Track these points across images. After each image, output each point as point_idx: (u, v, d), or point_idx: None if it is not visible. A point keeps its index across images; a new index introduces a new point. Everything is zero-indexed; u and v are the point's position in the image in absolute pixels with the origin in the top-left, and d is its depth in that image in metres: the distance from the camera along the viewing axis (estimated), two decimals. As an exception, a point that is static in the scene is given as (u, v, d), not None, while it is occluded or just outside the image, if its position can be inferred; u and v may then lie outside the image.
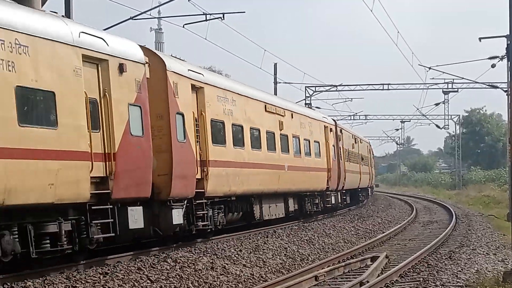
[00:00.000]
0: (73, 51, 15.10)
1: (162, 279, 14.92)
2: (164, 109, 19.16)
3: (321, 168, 35.21)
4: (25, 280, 13.65)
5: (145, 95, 17.58)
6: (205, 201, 21.23)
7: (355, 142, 49.55)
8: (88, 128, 15.28)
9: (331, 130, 37.78)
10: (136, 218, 17.01)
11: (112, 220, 16.09)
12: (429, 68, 51.07)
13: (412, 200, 58.28)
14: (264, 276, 17.24)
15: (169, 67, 19.61)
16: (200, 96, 21.58)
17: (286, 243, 22.42)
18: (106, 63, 16.21)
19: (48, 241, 14.30)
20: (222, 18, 30.48)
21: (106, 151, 16.02)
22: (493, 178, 78.09)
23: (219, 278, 16.08)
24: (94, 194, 15.44)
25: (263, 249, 20.52)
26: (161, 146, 18.74)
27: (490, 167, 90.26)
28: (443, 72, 56.94)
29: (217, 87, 22.92)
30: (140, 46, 18.35)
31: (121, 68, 16.63)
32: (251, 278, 16.78)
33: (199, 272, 16.20)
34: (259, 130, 26.39)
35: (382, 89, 59.90)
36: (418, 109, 76.02)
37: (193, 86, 21.06)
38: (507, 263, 17.93)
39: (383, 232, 28.36)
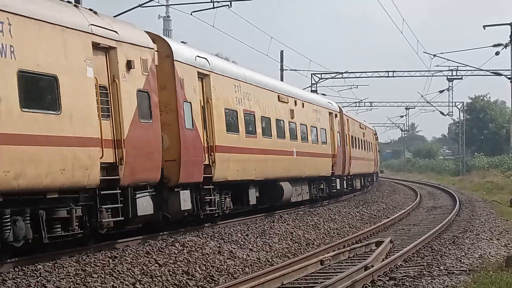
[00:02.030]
0: (328, 111, 36.09)
1: (170, 263, 14.97)
2: (343, 138, 39.29)
3: (372, 159, 54.57)
4: (36, 264, 13.71)
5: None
6: (350, 176, 42.32)
7: (376, 139, 65.68)
8: (332, 144, 36.03)
9: (375, 134, 57.11)
10: (338, 183, 37.50)
11: (334, 184, 36.30)
12: (434, 55, 51.18)
13: (416, 186, 58.27)
14: (270, 260, 17.29)
15: (344, 113, 41.65)
16: (347, 124, 40.92)
17: (292, 228, 22.45)
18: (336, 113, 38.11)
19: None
20: (230, 6, 30.53)
21: (332, 153, 35.44)
22: (496, 165, 77.83)
23: (226, 262, 16.13)
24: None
25: (269, 234, 20.56)
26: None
27: (494, 154, 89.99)
28: (448, 60, 57.16)
29: (352, 118, 45.79)
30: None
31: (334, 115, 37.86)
32: (258, 262, 16.82)
33: (207, 256, 16.25)
34: (361, 140, 46.99)
35: (387, 76, 60.05)
36: (422, 96, 76.12)
37: (346, 120, 41.12)
38: (510, 248, 17.95)
39: (388, 218, 28.37)
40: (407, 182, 67.23)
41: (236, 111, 22.80)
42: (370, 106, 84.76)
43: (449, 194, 44.79)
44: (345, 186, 39.94)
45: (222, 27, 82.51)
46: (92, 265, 13.92)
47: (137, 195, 16.84)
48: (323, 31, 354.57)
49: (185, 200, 19.13)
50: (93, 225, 15.48)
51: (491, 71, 52.67)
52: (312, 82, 58.15)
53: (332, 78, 60.47)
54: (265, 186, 26.26)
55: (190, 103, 19.62)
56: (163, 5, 54.79)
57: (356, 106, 79.00)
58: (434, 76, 59.84)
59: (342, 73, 60.05)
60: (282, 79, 49.11)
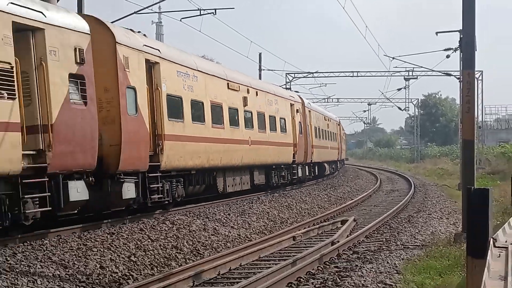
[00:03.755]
0: (336, 123, 52.40)
1: (161, 239, 14.96)
2: (340, 137, 54.20)
3: (345, 149, 62.45)
4: (42, 239, 13.64)
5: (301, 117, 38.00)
6: (341, 160, 57.71)
7: (345, 134, 70.20)
8: (338, 141, 52.83)
9: (338, 124, 56.11)
10: (339, 164, 56.62)
11: (338, 165, 55.03)
12: (393, 58, 51.07)
13: (377, 172, 58.37)
14: (249, 236, 17.30)
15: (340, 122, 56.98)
16: (342, 129, 57.15)
17: (268, 208, 22.47)
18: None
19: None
20: (214, 13, 30.25)
21: (338, 146, 52.03)
22: (446, 153, 78.29)
23: (211, 238, 16.13)
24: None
25: (248, 213, 20.58)
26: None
27: (444, 144, 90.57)
28: (405, 62, 57.55)
29: (341, 125, 57.04)
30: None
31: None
32: (238, 238, 16.84)
33: (193, 232, 16.25)
34: (343, 137, 57.45)
35: (352, 76, 59.78)
36: (382, 93, 76.83)
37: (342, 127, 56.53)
38: (457, 226, 18.06)
39: (352, 199, 28.47)
40: (369, 169, 67.30)
41: (318, 127, 39.92)
42: (337, 102, 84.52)
43: (405, 179, 44.98)
44: (304, 173, 49.03)
45: (208, 31, 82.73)
46: (92, 241, 13.87)
47: (298, 167, 33.63)
48: (296, 35, 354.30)
49: (303, 170, 35.39)
50: (288, 179, 31.98)
51: (442, 72, 52.61)
52: (287, 81, 57.93)
53: (304, 77, 60.19)
54: (318, 165, 41.19)
55: (313, 126, 37.78)
56: (156, 12, 54.36)
57: (324, 102, 78.80)
58: (393, 76, 59.57)
59: (312, 73, 59.81)
60: (260, 78, 49.04)
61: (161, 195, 17.97)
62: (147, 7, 28.39)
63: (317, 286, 10.79)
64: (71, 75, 14.24)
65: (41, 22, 13.53)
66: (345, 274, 11.58)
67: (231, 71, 25.13)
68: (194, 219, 17.95)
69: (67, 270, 11.68)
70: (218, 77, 22.86)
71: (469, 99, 15.59)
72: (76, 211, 15.22)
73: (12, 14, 12.77)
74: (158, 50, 18.26)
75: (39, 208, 13.38)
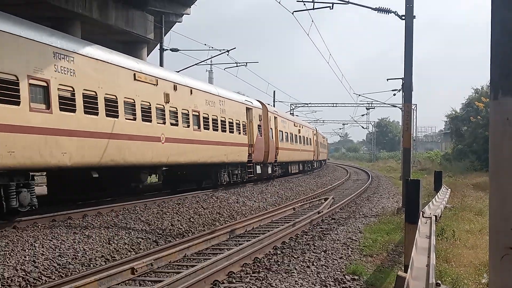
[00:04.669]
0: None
1: (210, 208, 15.04)
2: (316, 142, 44.20)
3: (325, 152, 57.95)
4: (134, 206, 13.79)
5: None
6: (318, 160, 48.15)
7: (327, 142, 68.14)
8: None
9: (327, 139, 52.61)
10: (318, 164, 47.20)
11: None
12: (359, 95, 51.16)
13: (348, 167, 58.06)
14: (265, 207, 17.33)
15: (318, 131, 48.50)
16: (318, 136, 47.81)
17: (278, 190, 22.47)
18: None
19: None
20: (246, 65, 30.36)
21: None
22: (392, 156, 77.85)
23: (241, 207, 16.18)
24: None
25: (265, 192, 20.60)
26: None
27: (391, 150, 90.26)
28: (367, 97, 57.02)
29: (320, 133, 50.91)
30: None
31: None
32: (258, 208, 16.86)
33: (230, 204, 16.32)
34: (323, 143, 53.10)
35: (333, 106, 59.55)
36: (352, 117, 76.35)
37: (318, 135, 47.95)
38: (399, 203, 17.97)
39: (332, 185, 28.34)
40: (342, 165, 66.93)
41: (320, 142, 45.28)
42: (322, 123, 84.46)
43: (366, 172, 44.61)
44: (316, 165, 48.14)
45: (242, 76, 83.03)
46: (166, 207, 14.00)
47: (314, 162, 39.82)
48: (297, 79, 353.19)
49: (316, 164, 40.15)
50: (310, 168, 39.54)
51: (391, 104, 52.31)
52: (291, 109, 57.91)
53: (302, 106, 60.06)
54: (319, 161, 46.39)
55: (319, 142, 41.71)
56: (209, 64, 54.61)
57: (315, 123, 78.69)
58: (359, 106, 59.35)
59: (307, 103, 59.61)
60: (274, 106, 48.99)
61: (276, 172, 27.77)
62: (203, 60, 28.60)
63: (308, 239, 10.83)
64: (258, 125, 23.76)
65: (251, 106, 23.24)
66: (327, 232, 11.59)
67: (294, 117, 37.74)
68: (230, 196, 18.02)
69: (150, 226, 11.82)
70: (291, 121, 32.91)
71: (408, 122, 15.55)
72: (255, 177, 23.33)
73: (244, 104, 22.52)
74: (276, 112, 28.37)
75: (247, 175, 22.22)
